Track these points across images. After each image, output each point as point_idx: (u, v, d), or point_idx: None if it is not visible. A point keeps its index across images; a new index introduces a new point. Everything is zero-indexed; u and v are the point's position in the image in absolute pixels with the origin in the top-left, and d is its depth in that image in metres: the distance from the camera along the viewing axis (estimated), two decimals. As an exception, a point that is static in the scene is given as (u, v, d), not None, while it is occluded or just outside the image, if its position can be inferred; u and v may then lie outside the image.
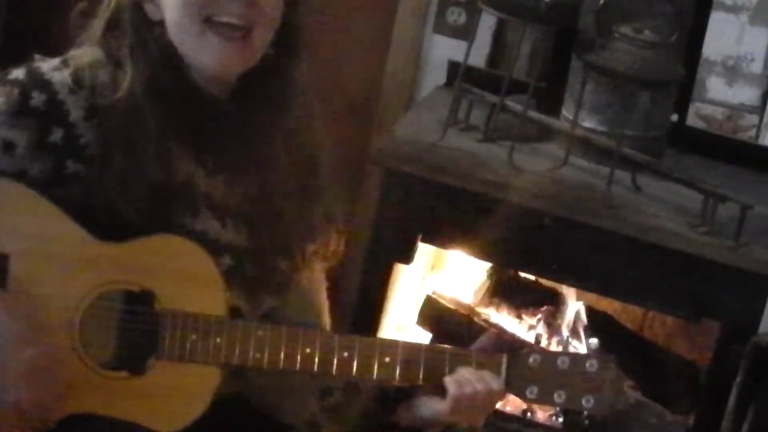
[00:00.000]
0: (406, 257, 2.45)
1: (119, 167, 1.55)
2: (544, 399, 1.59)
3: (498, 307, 2.80)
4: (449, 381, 1.58)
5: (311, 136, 1.71)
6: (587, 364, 1.58)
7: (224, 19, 1.55)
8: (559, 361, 1.58)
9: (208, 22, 1.55)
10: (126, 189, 1.55)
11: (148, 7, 1.58)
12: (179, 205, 1.58)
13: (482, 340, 1.62)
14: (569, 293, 2.78)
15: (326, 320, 1.78)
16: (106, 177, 1.55)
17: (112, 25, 1.59)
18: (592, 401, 1.57)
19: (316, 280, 1.76)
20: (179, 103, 1.59)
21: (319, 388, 1.69)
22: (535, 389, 1.58)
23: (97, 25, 1.60)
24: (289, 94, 1.65)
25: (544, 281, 2.81)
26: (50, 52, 1.65)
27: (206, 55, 1.56)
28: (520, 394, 1.59)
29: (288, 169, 1.66)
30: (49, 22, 3.36)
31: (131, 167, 1.55)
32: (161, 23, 1.58)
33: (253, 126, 1.64)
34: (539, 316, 2.77)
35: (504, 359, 1.60)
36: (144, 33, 1.58)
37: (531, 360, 1.58)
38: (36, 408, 1.50)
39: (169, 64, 1.58)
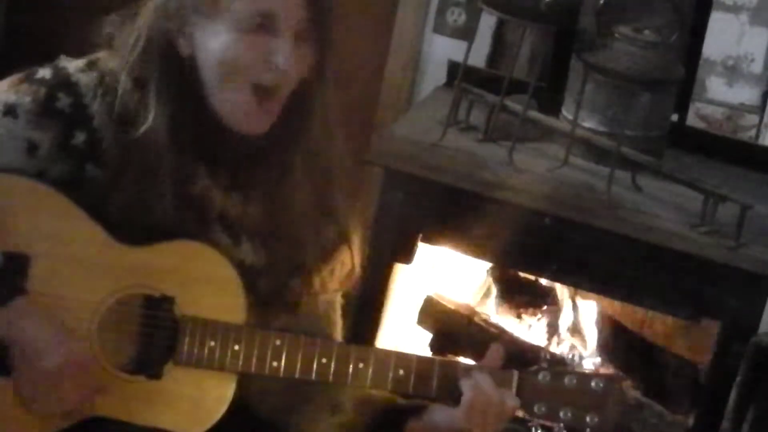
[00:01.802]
0: (406, 257, 2.45)
1: (132, 192, 1.55)
2: (551, 415, 1.64)
3: (498, 307, 2.80)
4: (465, 384, 1.59)
5: (330, 156, 1.70)
6: (593, 383, 1.63)
7: (258, 83, 1.55)
8: (566, 380, 1.63)
9: (245, 83, 1.55)
10: (137, 211, 1.55)
11: (181, 42, 1.57)
12: (189, 221, 1.58)
13: (490, 357, 1.64)
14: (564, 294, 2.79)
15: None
16: (120, 194, 1.55)
17: (141, 56, 1.58)
18: (596, 419, 1.63)
19: (330, 302, 1.76)
20: (199, 133, 1.59)
21: (330, 405, 1.70)
22: (543, 406, 1.63)
23: (130, 52, 1.58)
24: (306, 126, 1.65)
25: (544, 281, 2.81)
26: (50, 52, 1.65)
27: (238, 112, 1.57)
28: (529, 410, 1.64)
29: (304, 190, 1.66)
30: (50, 22, 3.38)
31: (145, 192, 1.55)
32: (191, 59, 1.57)
33: (272, 148, 1.63)
34: (539, 316, 2.77)
35: (515, 376, 1.63)
36: (172, 70, 1.57)
37: (540, 377, 1.63)
38: (63, 406, 1.51)
39: (193, 100, 1.57)
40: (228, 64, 1.54)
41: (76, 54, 1.64)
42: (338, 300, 1.78)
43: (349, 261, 1.75)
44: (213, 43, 1.54)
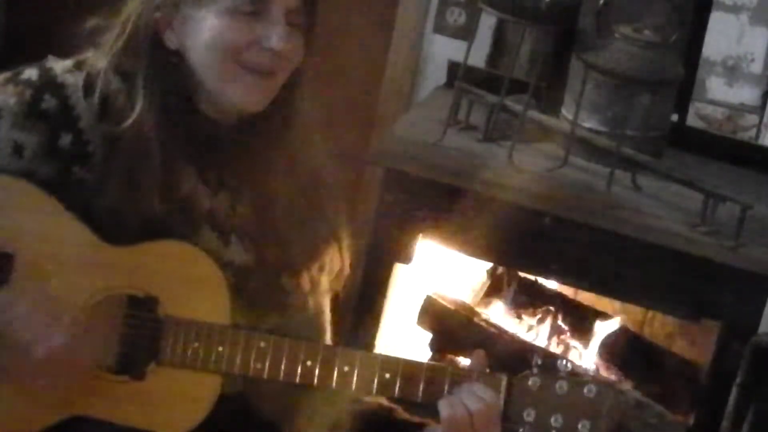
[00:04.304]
0: (406, 257, 2.45)
1: (120, 192, 1.55)
2: (540, 422, 1.59)
3: (498, 307, 2.80)
4: (441, 404, 1.57)
5: (313, 157, 1.70)
6: (585, 390, 1.58)
7: (253, 64, 1.55)
8: (557, 386, 1.59)
9: (240, 63, 1.56)
10: (125, 211, 1.55)
11: (167, 35, 1.57)
12: (179, 222, 1.58)
13: (474, 364, 1.62)
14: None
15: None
16: (107, 194, 1.55)
17: (127, 49, 1.57)
18: (588, 427, 1.58)
19: (320, 304, 1.75)
20: (186, 130, 1.59)
21: (330, 422, 1.69)
22: (533, 412, 1.58)
23: (112, 46, 1.58)
24: (289, 119, 1.65)
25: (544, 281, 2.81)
26: (50, 52, 1.65)
27: (237, 91, 1.56)
28: (518, 417, 1.59)
29: (291, 189, 1.66)
30: (49, 22, 3.37)
31: (132, 192, 1.55)
32: (178, 53, 1.57)
33: (256, 147, 1.63)
34: (539, 316, 2.77)
35: (504, 381, 1.59)
36: (159, 63, 1.57)
37: (530, 383, 1.59)
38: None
39: (181, 94, 1.58)
40: (220, 47, 1.54)
41: (75, 54, 1.64)
42: (327, 302, 1.77)
43: (338, 261, 1.74)
44: (204, 28, 1.54)
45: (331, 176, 1.73)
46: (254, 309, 1.62)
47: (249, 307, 1.61)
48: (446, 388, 1.58)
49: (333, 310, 1.79)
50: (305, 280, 1.70)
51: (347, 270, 1.76)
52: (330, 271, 1.74)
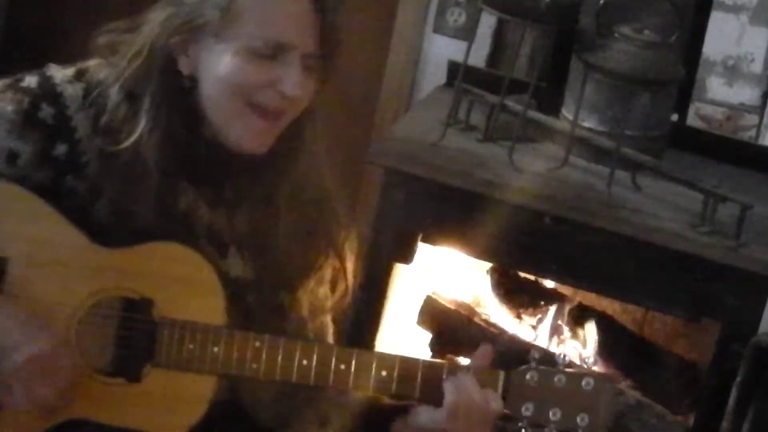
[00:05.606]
0: (406, 257, 2.45)
1: (113, 208, 1.55)
2: (539, 416, 1.59)
3: (498, 307, 2.80)
4: (448, 385, 1.57)
5: (319, 188, 1.70)
6: (583, 383, 1.58)
7: (261, 104, 1.55)
8: (555, 379, 1.58)
9: (249, 103, 1.56)
10: (120, 223, 1.55)
11: (182, 60, 1.56)
12: (175, 235, 1.57)
13: (478, 356, 1.62)
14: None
15: None
16: (100, 209, 1.55)
17: (140, 71, 1.57)
18: (587, 419, 1.58)
19: (320, 319, 1.75)
20: (186, 152, 1.58)
21: (318, 418, 1.70)
22: (531, 406, 1.58)
23: (127, 66, 1.57)
24: (295, 153, 1.65)
25: (544, 281, 2.81)
26: (50, 52, 1.65)
27: (241, 132, 1.57)
28: (516, 411, 1.59)
29: (292, 207, 1.65)
30: (50, 23, 3.38)
31: (126, 210, 1.55)
32: (191, 78, 1.57)
33: (258, 172, 1.63)
34: (539, 316, 2.77)
35: (501, 375, 1.59)
36: (169, 86, 1.56)
37: (528, 377, 1.59)
38: (36, 407, 1.50)
39: (186, 119, 1.57)
40: (232, 85, 1.54)
41: (76, 56, 1.63)
42: (328, 318, 1.77)
43: (343, 283, 1.74)
44: (219, 63, 1.54)
45: (335, 195, 1.72)
46: (251, 323, 1.61)
47: (245, 321, 1.61)
48: (443, 385, 1.58)
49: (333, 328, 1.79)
50: (304, 297, 1.70)
51: (350, 293, 1.76)
52: (331, 287, 1.74)
